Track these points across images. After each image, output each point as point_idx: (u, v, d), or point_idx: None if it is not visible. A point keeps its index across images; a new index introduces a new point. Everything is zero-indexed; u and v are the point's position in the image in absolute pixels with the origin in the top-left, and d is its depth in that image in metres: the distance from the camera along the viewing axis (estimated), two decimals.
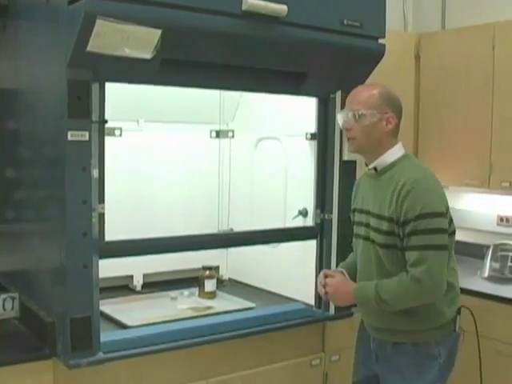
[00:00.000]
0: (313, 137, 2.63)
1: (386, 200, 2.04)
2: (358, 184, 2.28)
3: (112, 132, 2.20)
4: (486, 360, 2.45)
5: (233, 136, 3.04)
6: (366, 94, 2.08)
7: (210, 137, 2.99)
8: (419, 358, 2.07)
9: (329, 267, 2.58)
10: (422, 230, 1.96)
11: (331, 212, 2.59)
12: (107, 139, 2.08)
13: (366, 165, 2.16)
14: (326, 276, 2.18)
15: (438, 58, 3.40)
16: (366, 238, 2.13)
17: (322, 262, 2.62)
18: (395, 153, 2.10)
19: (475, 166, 3.22)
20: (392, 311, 2.05)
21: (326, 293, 2.16)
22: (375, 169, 2.11)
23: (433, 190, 2.03)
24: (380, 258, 2.07)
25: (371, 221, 2.10)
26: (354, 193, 2.30)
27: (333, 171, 2.57)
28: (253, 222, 2.89)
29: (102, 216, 2.06)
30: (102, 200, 2.06)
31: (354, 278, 2.22)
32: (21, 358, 2.04)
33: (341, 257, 2.57)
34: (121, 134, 2.29)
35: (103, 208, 2.06)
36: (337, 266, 2.57)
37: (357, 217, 2.21)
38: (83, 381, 2.11)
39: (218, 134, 3.01)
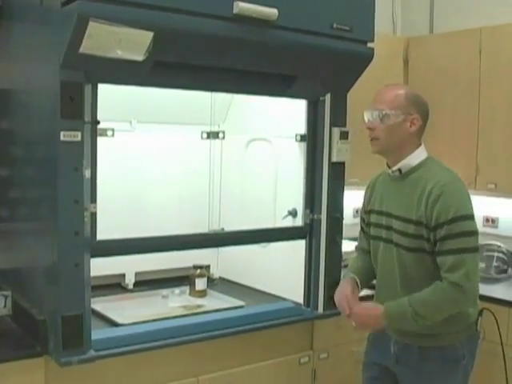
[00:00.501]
0: (302, 138, 2.65)
1: (412, 203, 2.03)
2: (373, 185, 2.27)
3: (104, 133, 2.21)
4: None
5: (223, 137, 3.06)
6: (391, 94, 2.08)
7: (201, 138, 3.02)
8: (445, 362, 2.06)
9: (317, 267, 2.62)
10: (456, 234, 1.95)
11: (320, 212, 2.61)
12: (99, 140, 2.10)
13: (388, 166, 2.15)
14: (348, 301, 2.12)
15: (426, 62, 3.45)
16: (388, 241, 2.11)
17: (311, 262, 2.65)
18: (419, 155, 2.10)
19: (462, 167, 3.22)
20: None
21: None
22: (399, 171, 2.10)
23: (462, 192, 2.03)
24: (403, 260, 2.06)
25: (394, 223, 2.08)
26: (367, 194, 2.28)
27: (322, 172, 2.60)
28: (243, 222, 2.90)
29: (93, 215, 2.08)
30: (93, 200, 2.08)
31: (366, 283, 2.25)
32: (13, 356, 2.05)
33: (329, 256, 2.61)
34: (113, 135, 2.31)
35: (95, 207, 2.08)
36: (325, 265, 2.61)
37: (374, 218, 2.19)
38: (74, 378, 2.13)
39: (209, 135, 3.03)
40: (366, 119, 2.13)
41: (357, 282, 2.23)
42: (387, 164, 2.16)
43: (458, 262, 1.94)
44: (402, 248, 2.06)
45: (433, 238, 1.99)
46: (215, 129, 3.04)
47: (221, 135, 3.05)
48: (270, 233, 2.70)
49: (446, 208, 1.96)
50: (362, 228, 2.35)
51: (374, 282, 2.28)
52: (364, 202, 2.32)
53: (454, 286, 1.93)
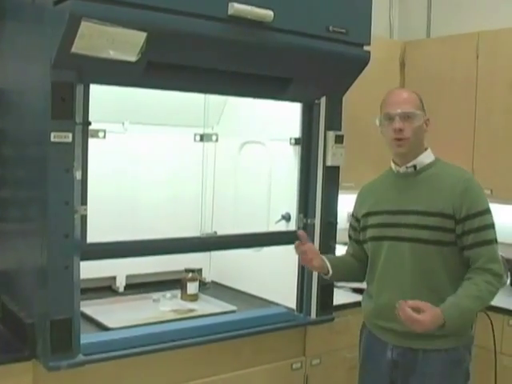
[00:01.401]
0: (297, 142, 2.63)
1: (432, 196, 2.08)
2: (366, 191, 2.30)
3: (96, 134, 2.19)
4: None
5: (217, 140, 3.04)
6: (408, 95, 2.14)
7: (194, 140, 2.99)
8: (449, 364, 2.07)
9: (311, 272, 2.59)
10: (488, 225, 2.05)
11: (314, 217, 2.59)
12: (91, 141, 2.07)
13: (394, 163, 2.18)
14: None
15: (422, 66, 3.44)
16: (397, 238, 2.12)
17: (304, 267, 2.61)
18: (430, 155, 2.18)
19: None
20: None
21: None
22: (414, 167, 2.15)
23: (482, 187, 2.13)
24: (418, 255, 2.07)
25: (407, 219, 2.10)
26: (360, 201, 2.30)
27: (316, 176, 2.58)
28: (236, 226, 2.89)
29: (84, 217, 2.06)
30: (84, 202, 2.05)
31: (337, 271, 2.26)
32: (0, 360, 2.02)
33: None
34: (104, 136, 2.29)
35: (85, 210, 2.06)
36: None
37: (375, 220, 2.19)
38: (63, 383, 2.10)
39: (202, 137, 3.00)
40: (378, 123, 2.14)
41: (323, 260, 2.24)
42: (394, 162, 2.19)
43: (494, 252, 2.05)
44: (419, 242, 2.07)
45: (460, 229, 2.04)
46: (209, 131, 3.02)
47: (214, 138, 3.03)
48: (263, 237, 2.68)
49: (477, 200, 2.06)
50: (350, 236, 2.36)
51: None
52: (355, 208, 2.32)
53: (499, 277, 2.03)
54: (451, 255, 2.07)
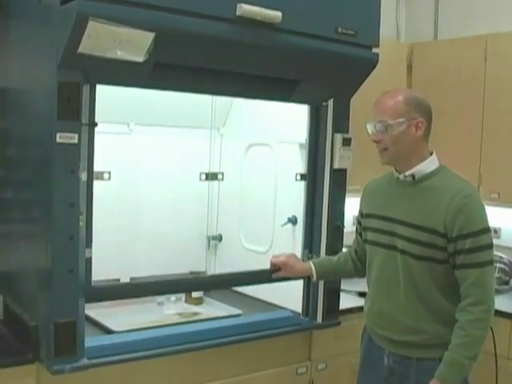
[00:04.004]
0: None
1: (426, 210, 1.99)
2: (371, 189, 2.24)
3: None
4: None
5: (222, 138, 3.02)
6: (390, 102, 2.02)
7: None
8: None
9: None
10: (480, 247, 1.94)
11: (321, 220, 2.56)
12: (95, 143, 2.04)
13: (397, 171, 2.10)
14: None
15: (429, 68, 3.41)
16: (391, 247, 2.07)
17: None
18: (433, 163, 2.06)
19: (464, 176, 3.16)
20: (426, 322, 2.01)
21: None
22: (413, 177, 2.05)
23: (482, 205, 2.00)
24: (409, 268, 2.01)
25: (400, 229, 2.04)
26: (365, 197, 2.25)
27: (323, 179, 2.55)
28: (242, 228, 2.87)
29: (89, 219, 2.03)
30: (90, 203, 2.03)
31: (323, 272, 2.37)
32: (3, 362, 2.01)
33: None
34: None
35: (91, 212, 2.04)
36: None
37: (374, 223, 2.15)
38: None
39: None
40: (369, 132, 2.08)
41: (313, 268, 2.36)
42: (395, 169, 2.12)
43: (481, 275, 1.94)
44: (409, 256, 2.01)
45: (452, 248, 1.96)
46: (215, 134, 3.00)
47: (219, 139, 3.01)
48: (261, 275, 2.52)
49: (471, 220, 1.94)
50: (356, 229, 2.33)
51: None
52: (361, 203, 2.28)
53: (481, 305, 1.93)
54: (444, 273, 1.99)
